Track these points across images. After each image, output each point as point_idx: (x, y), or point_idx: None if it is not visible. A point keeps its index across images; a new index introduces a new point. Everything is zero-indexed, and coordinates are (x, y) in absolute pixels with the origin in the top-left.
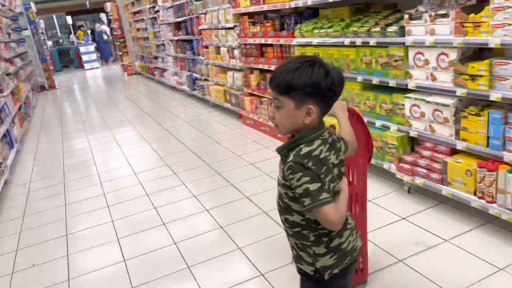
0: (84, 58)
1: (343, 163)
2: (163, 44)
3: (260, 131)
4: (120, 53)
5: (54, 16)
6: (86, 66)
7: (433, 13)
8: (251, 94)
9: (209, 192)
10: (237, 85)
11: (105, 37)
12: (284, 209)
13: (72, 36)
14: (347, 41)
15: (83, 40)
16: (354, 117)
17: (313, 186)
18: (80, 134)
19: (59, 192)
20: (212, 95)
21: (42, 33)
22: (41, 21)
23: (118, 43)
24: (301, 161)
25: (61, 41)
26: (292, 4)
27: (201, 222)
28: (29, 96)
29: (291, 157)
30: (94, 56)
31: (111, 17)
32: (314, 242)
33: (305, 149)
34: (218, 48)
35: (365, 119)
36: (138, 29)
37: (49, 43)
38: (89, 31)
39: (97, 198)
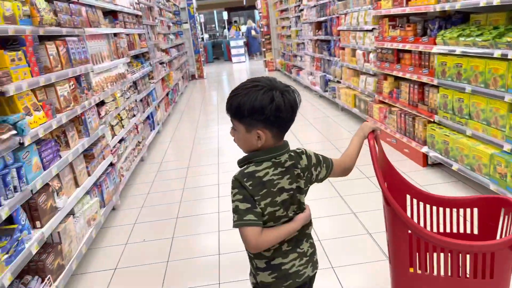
0: (233, 52)
1: (303, 190)
2: (303, 43)
3: (386, 142)
4: (264, 49)
5: (215, 12)
6: (234, 59)
7: None
8: (381, 102)
9: (317, 200)
10: (368, 90)
11: (253, 33)
12: None
13: (225, 31)
14: (497, 52)
15: (234, 35)
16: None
17: (242, 206)
18: (213, 124)
19: (181, 175)
20: (341, 98)
21: (200, 27)
22: (201, 15)
23: (263, 40)
24: (240, 179)
25: (217, 34)
26: (438, 8)
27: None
28: (179, 83)
29: (236, 173)
30: (242, 50)
31: (261, 14)
32: (256, 255)
33: (250, 168)
34: (354, 51)
35: (509, 147)
36: (283, 27)
37: (206, 36)
38: (241, 27)
39: (211, 188)
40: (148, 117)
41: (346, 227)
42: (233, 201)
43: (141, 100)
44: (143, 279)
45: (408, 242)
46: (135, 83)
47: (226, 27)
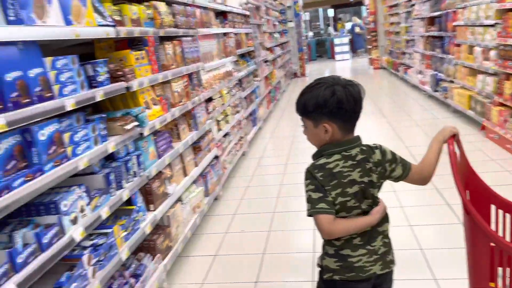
0: (337, 49)
1: (376, 185)
2: (413, 40)
3: (505, 149)
4: (370, 47)
5: (320, 9)
6: (337, 57)
7: None
8: (501, 104)
9: (419, 207)
10: (486, 91)
11: (357, 29)
12: None
13: (330, 28)
14: None
15: (338, 32)
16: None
17: (315, 195)
18: None
19: (280, 171)
20: (454, 99)
21: (304, 25)
22: (307, 13)
23: (369, 37)
24: (311, 170)
25: (321, 32)
26: None
27: (398, 236)
28: (281, 81)
29: (308, 165)
30: (346, 48)
31: (368, 11)
32: (328, 242)
33: (322, 161)
34: (471, 48)
35: None
36: (391, 23)
37: (310, 34)
38: (346, 24)
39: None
40: (250, 114)
41: (452, 237)
42: (306, 191)
43: (245, 97)
44: (240, 268)
45: (490, 256)
46: (240, 80)
47: (331, 24)
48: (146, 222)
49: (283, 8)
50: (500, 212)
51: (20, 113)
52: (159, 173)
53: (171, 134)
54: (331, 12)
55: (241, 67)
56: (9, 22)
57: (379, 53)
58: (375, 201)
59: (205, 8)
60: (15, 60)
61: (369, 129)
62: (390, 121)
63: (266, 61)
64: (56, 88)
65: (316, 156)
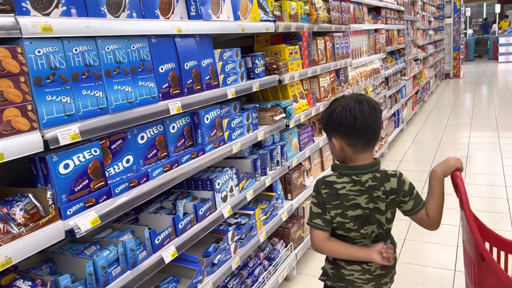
0: (501, 50)
1: (383, 212)
2: None
3: None
4: None
5: (485, 4)
6: (501, 58)
7: None
8: None
9: None
10: None
11: None
12: None
13: (494, 26)
14: None
15: (506, 30)
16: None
17: (315, 209)
18: (465, 128)
19: (421, 179)
20: None
21: (465, 21)
22: (468, 9)
23: None
24: (319, 185)
25: (483, 30)
26: None
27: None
28: (430, 82)
29: (319, 177)
30: None
31: None
32: None
33: (331, 178)
34: None
35: None
36: None
37: (469, 31)
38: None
39: (452, 198)
40: (394, 114)
41: None
42: (311, 201)
43: (390, 96)
44: None
45: None
46: (386, 78)
47: (497, 21)
48: (284, 210)
49: (442, 3)
50: (495, 249)
51: (193, 98)
52: (299, 165)
53: (313, 128)
54: (498, 8)
55: (388, 65)
56: (190, 17)
57: None
58: (384, 230)
59: (359, 3)
60: (193, 51)
61: None
62: None
63: (416, 60)
64: (221, 77)
65: (332, 168)
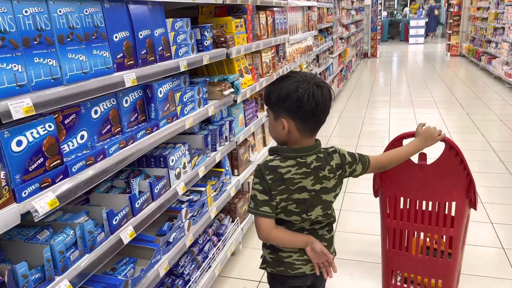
0: (411, 32)
1: (331, 190)
2: (502, 28)
3: None
4: (450, 32)
5: None
6: (411, 40)
7: None
8: None
9: (500, 205)
10: None
11: (436, 12)
12: None
13: (406, 9)
14: None
15: (415, 13)
16: (452, 153)
17: (260, 196)
18: (384, 105)
19: None
20: None
21: (380, 3)
22: None
23: (451, 21)
24: (262, 170)
25: (395, 13)
26: None
27: (480, 234)
28: (352, 60)
29: (262, 161)
30: (421, 31)
31: None
32: None
33: (275, 162)
34: None
35: None
36: (478, 8)
37: (384, 13)
38: (425, 6)
39: None
40: None
41: None
42: (253, 188)
43: (320, 74)
44: None
45: None
46: (317, 56)
47: (408, 5)
48: (232, 185)
49: None
50: None
51: (148, 70)
52: (245, 141)
53: (257, 104)
54: None
55: (319, 42)
56: None
57: (458, 39)
58: (328, 210)
59: None
60: (146, 19)
61: (448, 119)
62: (470, 113)
63: (341, 38)
64: (173, 48)
65: (271, 152)
